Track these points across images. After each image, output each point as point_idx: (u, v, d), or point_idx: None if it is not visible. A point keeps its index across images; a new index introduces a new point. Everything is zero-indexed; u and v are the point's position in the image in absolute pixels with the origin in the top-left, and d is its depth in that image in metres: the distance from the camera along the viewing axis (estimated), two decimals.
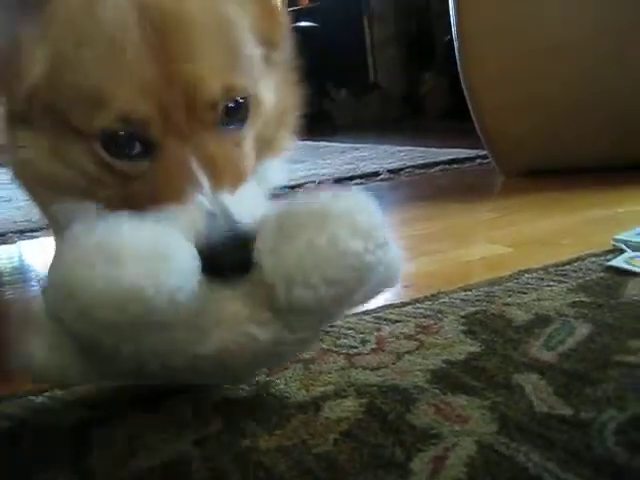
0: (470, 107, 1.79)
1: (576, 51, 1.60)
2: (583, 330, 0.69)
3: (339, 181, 1.99)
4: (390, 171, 2.06)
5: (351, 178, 2.02)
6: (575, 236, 1.12)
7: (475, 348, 0.67)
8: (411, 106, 4.17)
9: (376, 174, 2.04)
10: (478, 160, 2.08)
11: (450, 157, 2.20)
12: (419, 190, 1.83)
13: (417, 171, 2.06)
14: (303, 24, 4.48)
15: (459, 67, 1.78)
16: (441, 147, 2.51)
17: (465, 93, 1.79)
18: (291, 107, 0.78)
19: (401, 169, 2.09)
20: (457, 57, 1.77)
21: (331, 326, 0.77)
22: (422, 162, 2.18)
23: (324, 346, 0.72)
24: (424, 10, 4.28)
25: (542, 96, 1.66)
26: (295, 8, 5.34)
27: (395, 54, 4.43)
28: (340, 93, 4.20)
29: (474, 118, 1.79)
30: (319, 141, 3.32)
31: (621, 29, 1.57)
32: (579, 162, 1.69)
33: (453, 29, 1.76)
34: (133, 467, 0.54)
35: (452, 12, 1.74)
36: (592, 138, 1.65)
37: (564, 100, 1.64)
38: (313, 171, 2.25)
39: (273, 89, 0.71)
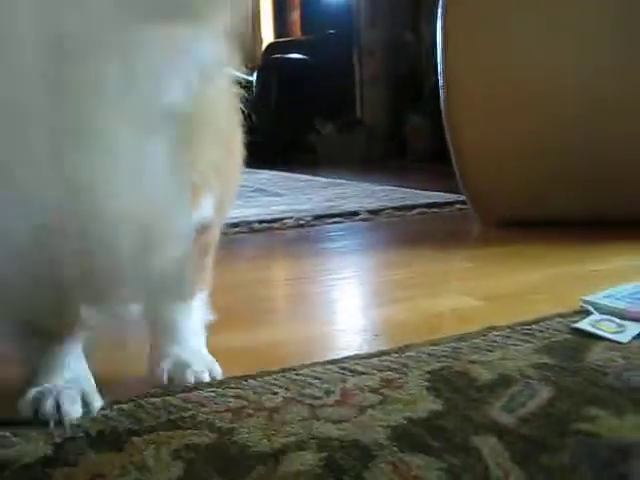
0: (451, 151, 1.80)
1: (560, 98, 1.63)
2: (544, 394, 0.70)
3: (318, 218, 2.00)
4: (370, 211, 2.08)
5: (330, 216, 2.04)
6: (546, 293, 1.14)
7: (437, 406, 0.68)
8: (395, 145, 4.21)
9: (355, 214, 2.05)
10: (457, 205, 2.11)
11: (430, 201, 2.23)
12: (396, 233, 1.85)
13: (396, 213, 2.08)
14: (293, 56, 4.52)
15: (442, 108, 1.80)
16: (422, 189, 2.54)
17: (447, 136, 1.81)
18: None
19: (381, 210, 2.10)
20: (441, 98, 1.79)
21: (297, 374, 0.78)
22: (402, 204, 2.21)
23: (289, 395, 0.73)
24: (414, 50, 4.33)
25: (525, 144, 1.68)
26: (286, 39, 5.39)
27: (382, 92, 4.48)
28: (326, 127, 4.23)
29: (454, 162, 1.81)
30: (301, 174, 3.34)
31: (605, 76, 1.60)
32: (559, 215, 1.71)
33: (439, 69, 1.77)
34: None
35: (439, 53, 1.76)
36: (575, 192, 1.67)
37: (547, 149, 1.66)
38: (293, 206, 2.27)
39: None
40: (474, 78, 1.70)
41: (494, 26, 1.69)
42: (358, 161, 4.01)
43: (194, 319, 0.84)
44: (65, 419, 0.70)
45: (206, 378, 0.79)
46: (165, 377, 0.79)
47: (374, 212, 2.08)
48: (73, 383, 0.75)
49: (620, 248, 1.44)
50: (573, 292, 1.05)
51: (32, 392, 0.73)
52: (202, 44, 0.64)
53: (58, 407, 0.71)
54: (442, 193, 2.36)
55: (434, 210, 2.12)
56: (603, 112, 1.60)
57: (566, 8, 1.62)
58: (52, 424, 0.69)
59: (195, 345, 0.84)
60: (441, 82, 1.77)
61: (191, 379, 0.78)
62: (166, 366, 0.80)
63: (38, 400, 0.72)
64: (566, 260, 1.38)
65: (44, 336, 0.76)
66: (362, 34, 4.66)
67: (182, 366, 0.80)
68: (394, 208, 2.13)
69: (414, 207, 2.14)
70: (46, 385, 0.74)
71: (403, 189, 2.62)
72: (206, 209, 0.75)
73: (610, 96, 1.59)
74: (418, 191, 2.52)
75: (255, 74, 4.35)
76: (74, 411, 0.71)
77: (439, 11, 1.75)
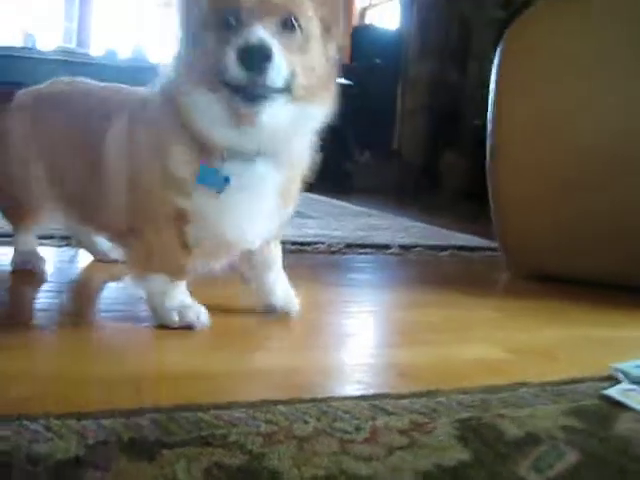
0: (491, 200, 1.82)
1: (607, 162, 1.63)
2: (571, 457, 0.71)
3: (350, 247, 2.02)
4: (401, 246, 2.09)
5: (361, 246, 2.05)
6: (575, 353, 1.15)
7: (465, 456, 0.69)
8: (429, 179, 4.22)
9: (387, 247, 2.07)
10: (488, 252, 2.11)
11: (461, 243, 2.24)
12: (425, 272, 1.85)
13: (427, 251, 2.09)
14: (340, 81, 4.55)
15: (488, 154, 1.81)
16: (453, 229, 2.55)
17: (488, 185, 1.82)
18: (330, 80, 1.06)
19: (412, 246, 2.11)
20: (488, 144, 1.80)
21: (328, 405, 0.79)
22: (433, 243, 2.22)
23: (320, 426, 0.74)
24: (458, 89, 4.36)
25: (562, 204, 1.69)
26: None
27: (422, 126, 4.50)
28: (363, 155, 4.26)
29: (492, 210, 1.82)
30: (336, 199, 3.36)
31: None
32: (592, 275, 1.71)
33: (489, 116, 1.79)
34: None
35: (491, 100, 1.78)
36: (610, 252, 1.67)
37: (582, 212, 1.67)
38: (325, 231, 2.28)
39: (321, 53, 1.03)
40: (524, 132, 1.72)
41: (546, 87, 1.70)
42: (391, 191, 4.03)
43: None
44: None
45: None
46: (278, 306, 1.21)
47: (405, 247, 2.09)
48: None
49: None
50: (602, 356, 1.05)
51: (175, 304, 1.08)
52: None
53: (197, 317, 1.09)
54: (474, 237, 2.37)
55: (465, 253, 2.13)
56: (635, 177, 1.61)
57: (615, 72, 1.63)
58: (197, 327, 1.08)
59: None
60: (489, 129, 1.78)
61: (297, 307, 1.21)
62: (277, 300, 1.22)
63: (183, 310, 1.08)
64: (597, 321, 1.39)
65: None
66: (409, 66, 4.69)
67: (290, 296, 1.23)
68: (425, 246, 2.14)
69: (446, 248, 2.15)
70: (184, 300, 1.10)
71: (435, 227, 2.63)
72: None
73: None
74: (450, 232, 2.53)
75: None
76: (207, 321, 1.09)
77: (495, 61, 1.77)
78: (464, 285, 1.69)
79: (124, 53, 4.88)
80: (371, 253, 1.99)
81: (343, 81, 4.54)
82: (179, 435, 0.70)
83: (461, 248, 2.17)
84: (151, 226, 1.09)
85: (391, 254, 2.02)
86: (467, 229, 2.54)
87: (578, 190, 1.66)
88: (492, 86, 1.77)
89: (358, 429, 0.74)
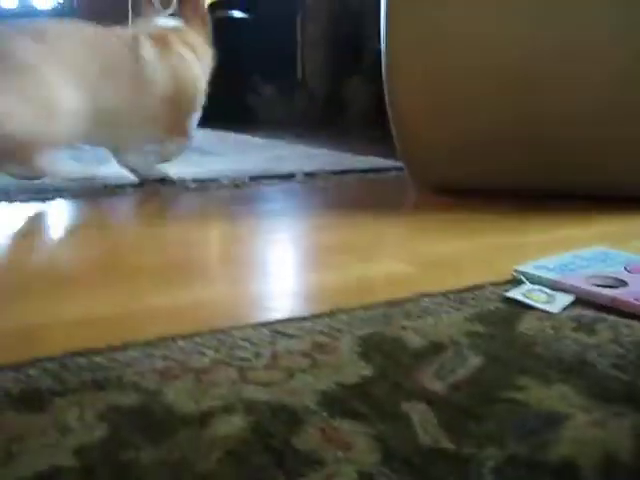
0: (390, 116, 1.80)
1: (498, 70, 1.63)
2: (474, 362, 0.70)
3: (254, 179, 1.98)
4: (306, 174, 2.06)
5: (266, 177, 2.01)
6: (480, 261, 1.15)
7: (367, 372, 0.68)
8: (335, 108, 4.19)
9: (292, 176, 2.03)
10: (394, 172, 2.11)
11: (367, 166, 2.22)
12: (332, 197, 1.84)
13: (332, 177, 2.07)
14: (234, 14, 4.44)
15: (384, 74, 1.78)
16: (360, 154, 2.53)
17: (386, 99, 1.80)
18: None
19: (317, 173, 2.09)
20: (383, 63, 1.78)
21: (227, 335, 0.77)
22: (339, 168, 2.19)
23: (218, 356, 0.71)
24: (359, 14, 4.30)
25: (463, 114, 1.68)
26: None
27: (324, 55, 4.44)
28: (266, 88, 4.18)
29: (392, 128, 1.81)
30: (240, 134, 3.31)
31: (543, 51, 1.60)
32: (497, 184, 1.72)
33: (381, 35, 1.76)
34: (7, 476, 0.52)
35: (382, 20, 1.75)
36: (512, 161, 1.68)
37: (485, 120, 1.67)
38: (229, 166, 2.24)
39: None
40: (415, 46, 1.69)
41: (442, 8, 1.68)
42: (298, 123, 3.98)
43: None
44: None
45: None
46: None
47: (311, 175, 2.07)
48: None
49: (556, 220, 1.47)
50: (507, 262, 1.05)
51: None
52: None
53: None
54: (380, 159, 2.36)
55: (371, 175, 2.12)
56: (541, 85, 1.61)
57: None
58: None
59: None
60: (383, 48, 1.75)
61: None
62: None
63: None
64: (502, 229, 1.40)
65: None
66: None
67: None
68: (331, 172, 2.12)
69: (351, 172, 2.13)
70: None
71: (341, 153, 2.61)
72: None
73: (547, 71, 1.60)
74: (356, 156, 2.51)
75: None
76: None
77: None
78: (371, 206, 1.68)
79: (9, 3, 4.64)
80: (277, 184, 1.96)
81: (238, 14, 4.43)
82: (72, 382, 0.67)
83: (367, 170, 2.16)
84: None
85: (297, 182, 1.99)
86: (374, 152, 2.52)
87: (480, 105, 1.66)
88: (383, 1, 1.74)
89: (257, 355, 0.72)
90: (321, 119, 4.12)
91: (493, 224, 1.44)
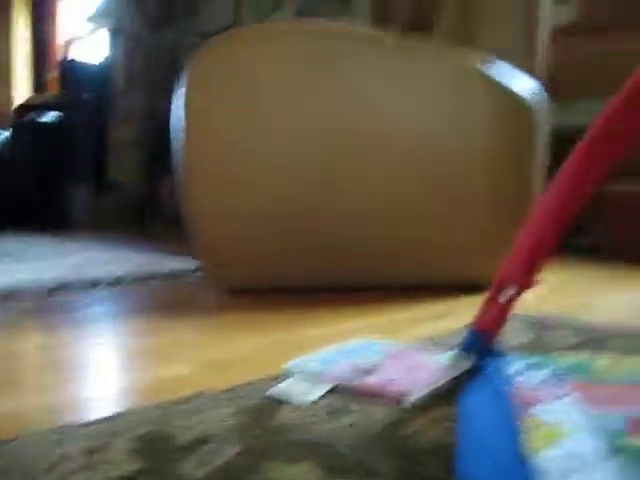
0: (187, 219, 1.92)
1: (295, 177, 1.81)
2: (231, 451, 0.81)
3: (60, 287, 2.03)
4: (115, 279, 2.14)
5: (73, 284, 2.07)
6: (261, 358, 1.27)
7: (136, 467, 0.77)
8: (148, 208, 4.28)
9: (98, 283, 2.10)
10: (197, 273, 2.22)
11: (172, 268, 2.33)
12: (139, 302, 1.92)
13: (141, 281, 2.16)
14: (44, 118, 4.48)
15: (180, 175, 1.91)
16: (171, 255, 2.64)
17: (183, 204, 1.92)
18: None
19: (125, 277, 2.17)
20: (180, 166, 1.90)
21: (11, 446, 0.84)
22: (147, 271, 2.29)
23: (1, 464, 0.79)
24: (168, 117, 4.46)
25: (257, 217, 1.83)
26: (41, 100, 5.32)
27: (137, 157, 4.55)
28: (78, 191, 4.22)
29: (190, 230, 1.93)
30: (52, 238, 3.32)
31: (333, 157, 1.80)
32: (293, 282, 1.88)
33: (180, 140, 1.88)
34: None
35: (180, 127, 1.88)
36: (306, 259, 1.85)
37: (279, 221, 1.83)
38: (36, 272, 2.27)
39: None
40: (210, 152, 1.84)
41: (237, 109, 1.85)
42: (110, 226, 4.03)
43: None
44: None
45: None
46: None
47: (119, 279, 2.14)
48: None
49: (340, 313, 1.63)
50: (288, 357, 1.17)
51: None
52: None
53: None
54: (184, 260, 2.47)
55: (175, 278, 2.23)
56: (331, 185, 1.80)
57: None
58: None
59: None
60: (181, 153, 1.88)
61: None
62: None
63: None
64: (288, 325, 1.54)
65: None
66: (118, 98, 4.73)
67: None
68: (139, 276, 2.21)
69: (158, 274, 2.23)
70: None
71: (152, 255, 2.71)
72: None
73: (337, 171, 1.80)
74: (166, 258, 2.61)
75: (7, 133, 4.27)
76: None
77: (182, 87, 1.88)
78: (171, 310, 1.78)
79: None
80: (84, 290, 2.02)
81: (52, 117, 4.47)
82: None
83: (175, 272, 2.27)
84: None
85: (104, 288, 2.06)
86: (185, 252, 2.63)
87: (274, 207, 1.82)
88: (179, 112, 1.87)
89: (39, 461, 0.80)
90: (134, 221, 4.20)
91: (282, 321, 1.58)
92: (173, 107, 1.92)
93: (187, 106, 1.86)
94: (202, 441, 0.85)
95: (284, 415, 0.94)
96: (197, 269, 2.24)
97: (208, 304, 1.90)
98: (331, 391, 1.03)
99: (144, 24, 4.71)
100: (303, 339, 1.42)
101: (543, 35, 2.72)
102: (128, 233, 3.73)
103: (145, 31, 4.75)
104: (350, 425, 0.91)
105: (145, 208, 4.31)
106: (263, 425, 0.90)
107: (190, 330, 1.55)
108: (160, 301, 1.94)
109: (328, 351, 1.20)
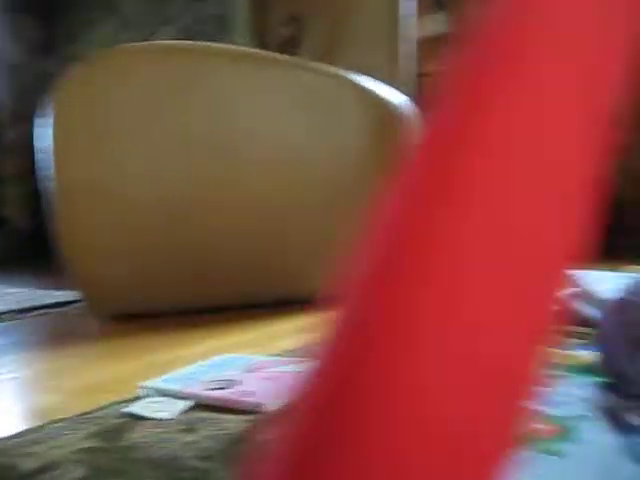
0: (61, 251, 1.91)
1: (162, 206, 1.81)
2: (76, 474, 0.81)
3: None
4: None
5: None
6: (126, 381, 1.27)
7: None
8: (39, 244, 4.20)
9: None
10: (80, 303, 2.20)
11: (57, 300, 2.30)
12: (19, 335, 1.89)
13: (23, 314, 2.12)
14: None
15: (54, 208, 1.89)
16: (55, 287, 2.60)
17: (56, 237, 1.91)
18: None
19: (5, 312, 2.13)
20: (52, 199, 1.88)
21: None
22: (30, 305, 2.25)
23: None
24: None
25: (130, 246, 1.83)
26: None
27: (27, 190, 4.46)
28: None
29: (65, 261, 1.91)
30: None
31: (201, 182, 1.81)
32: (170, 306, 1.88)
33: (51, 173, 1.86)
34: None
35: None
36: (177, 283, 1.86)
37: (151, 250, 1.83)
38: None
39: None
40: (81, 183, 1.82)
41: (103, 136, 1.84)
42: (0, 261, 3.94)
43: None
44: None
45: None
46: None
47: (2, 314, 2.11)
48: None
49: (208, 332, 1.66)
50: (153, 377, 1.18)
51: None
52: None
53: None
54: (69, 292, 2.44)
55: (58, 309, 2.20)
56: (196, 214, 1.81)
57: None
58: None
59: None
60: (53, 185, 1.86)
61: None
62: None
63: None
64: (164, 347, 1.54)
65: None
66: (3, 131, 4.63)
67: None
68: (20, 309, 2.17)
69: (39, 307, 2.20)
70: None
71: (40, 289, 2.66)
72: None
73: (199, 200, 1.81)
74: (55, 290, 2.57)
75: None
76: None
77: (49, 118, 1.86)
78: (52, 341, 1.76)
79: None
80: None
81: None
82: None
83: (56, 304, 2.24)
84: None
85: None
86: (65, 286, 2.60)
87: (145, 236, 1.82)
88: (45, 143, 1.85)
89: None
90: (25, 255, 4.11)
91: (160, 343, 1.58)
92: (38, 136, 1.90)
93: (53, 135, 1.85)
94: (47, 468, 0.84)
95: (136, 435, 0.94)
96: (79, 299, 2.21)
97: (91, 332, 1.88)
98: (191, 407, 1.04)
99: (23, 51, 4.63)
100: (168, 361, 1.42)
101: (409, 48, 2.80)
102: (19, 268, 3.65)
103: (24, 58, 4.67)
104: (202, 438, 0.92)
105: (34, 243, 4.22)
106: (113, 447, 0.90)
107: (71, 358, 1.53)
108: (42, 333, 1.91)
109: (189, 369, 1.21)
